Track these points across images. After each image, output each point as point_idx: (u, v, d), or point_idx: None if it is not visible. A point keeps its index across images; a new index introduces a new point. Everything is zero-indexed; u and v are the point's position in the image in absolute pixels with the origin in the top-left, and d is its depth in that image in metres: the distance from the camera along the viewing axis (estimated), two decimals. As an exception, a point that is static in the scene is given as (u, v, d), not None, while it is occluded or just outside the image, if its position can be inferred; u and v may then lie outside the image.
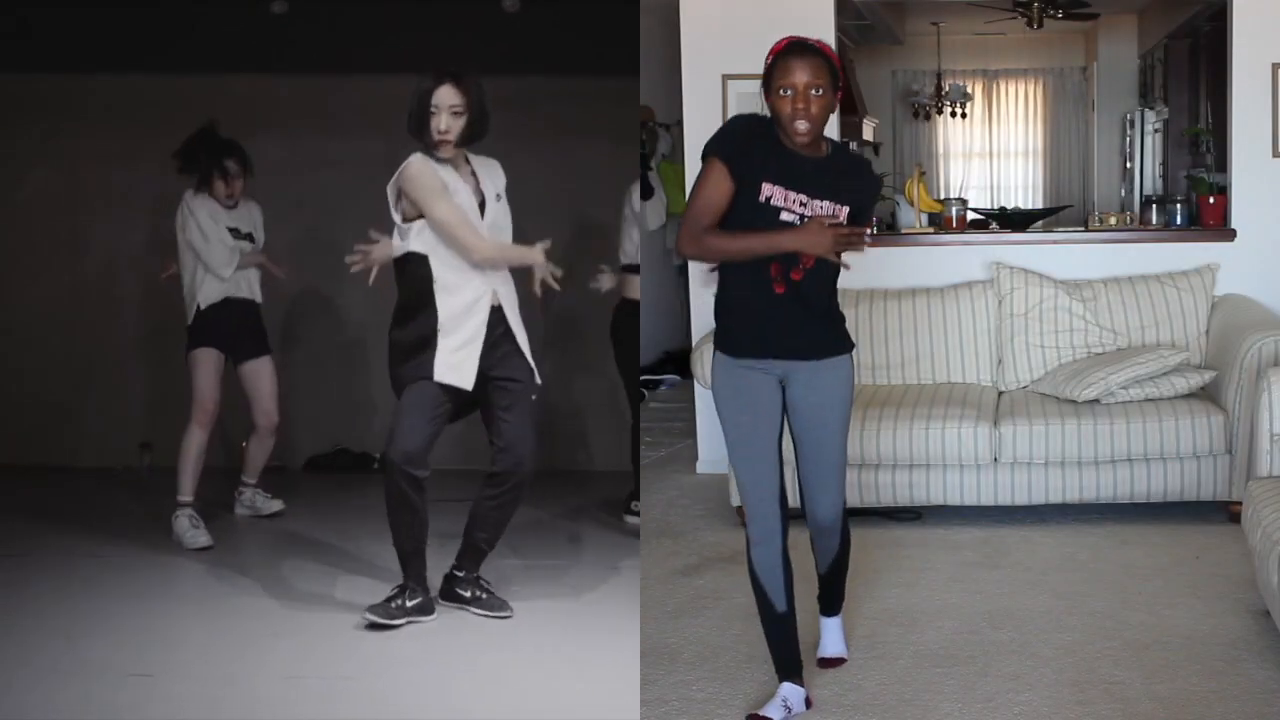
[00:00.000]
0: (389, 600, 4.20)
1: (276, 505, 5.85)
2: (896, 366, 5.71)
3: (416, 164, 4.11)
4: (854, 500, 5.21)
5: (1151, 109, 9.93)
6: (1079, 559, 4.78)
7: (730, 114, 5.99)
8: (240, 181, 5.48)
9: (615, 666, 3.81)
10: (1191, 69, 9.29)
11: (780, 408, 3.49)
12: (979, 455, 5.13)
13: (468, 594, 4.33)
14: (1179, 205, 6.29)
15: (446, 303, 4.13)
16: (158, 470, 6.28)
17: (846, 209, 3.35)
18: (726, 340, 3.48)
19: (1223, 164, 6.16)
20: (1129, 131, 10.25)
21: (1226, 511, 5.09)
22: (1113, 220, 6.36)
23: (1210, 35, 8.02)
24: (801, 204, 3.30)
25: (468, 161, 4.25)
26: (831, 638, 3.87)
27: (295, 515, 5.84)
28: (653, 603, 4.42)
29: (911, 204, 6.53)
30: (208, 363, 5.43)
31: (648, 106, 8.12)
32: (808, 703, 3.54)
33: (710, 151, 3.33)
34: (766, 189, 3.29)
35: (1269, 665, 3.73)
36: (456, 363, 4.14)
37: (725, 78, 5.95)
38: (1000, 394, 5.58)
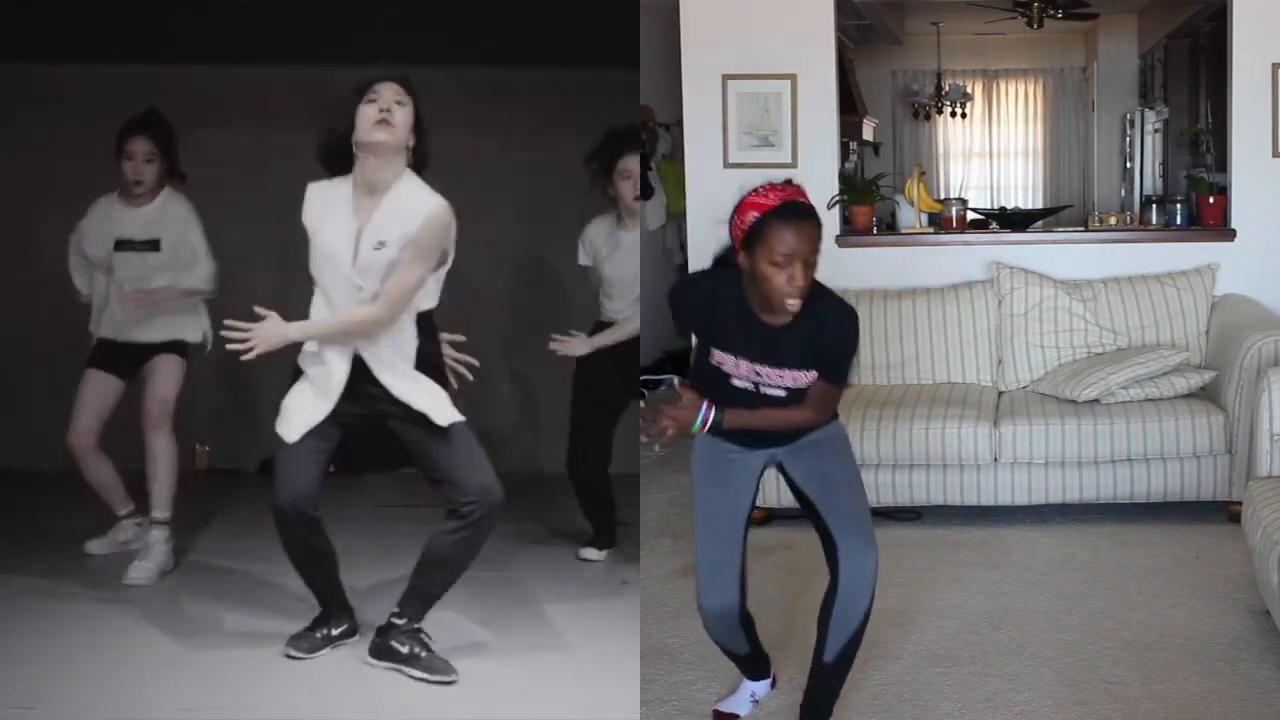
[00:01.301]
0: (311, 630, 3.88)
1: (144, 576, 4.65)
2: (896, 366, 5.71)
3: (309, 190, 3.74)
4: (854, 500, 5.21)
5: (1151, 109, 9.92)
6: (1079, 559, 4.78)
7: (730, 114, 6.03)
8: (152, 166, 4.78)
9: (615, 667, 3.81)
10: (1191, 69, 9.29)
11: (753, 492, 3.31)
12: (979, 455, 5.13)
13: (405, 649, 3.73)
14: (1179, 205, 6.29)
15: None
16: None
17: (814, 374, 3.11)
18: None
19: (1223, 164, 6.16)
20: (1129, 131, 10.24)
21: (1226, 511, 5.09)
22: (1113, 220, 6.37)
23: (1210, 35, 8.02)
24: (757, 374, 3.11)
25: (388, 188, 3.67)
26: None
27: (235, 525, 5.52)
28: (653, 603, 4.42)
29: (911, 204, 6.53)
30: (90, 386, 4.85)
31: (648, 106, 8.12)
32: (774, 683, 3.62)
33: (674, 314, 3.28)
34: (718, 356, 3.13)
35: (1269, 665, 3.73)
36: (289, 407, 3.74)
37: (725, 78, 5.95)
38: (1000, 394, 5.58)
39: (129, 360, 4.89)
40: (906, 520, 5.29)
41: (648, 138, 8.53)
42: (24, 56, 6.27)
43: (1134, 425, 5.07)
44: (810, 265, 2.97)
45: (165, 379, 4.88)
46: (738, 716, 3.52)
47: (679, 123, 6.89)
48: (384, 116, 3.56)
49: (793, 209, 2.97)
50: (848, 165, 9.30)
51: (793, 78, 5.95)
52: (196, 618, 4.28)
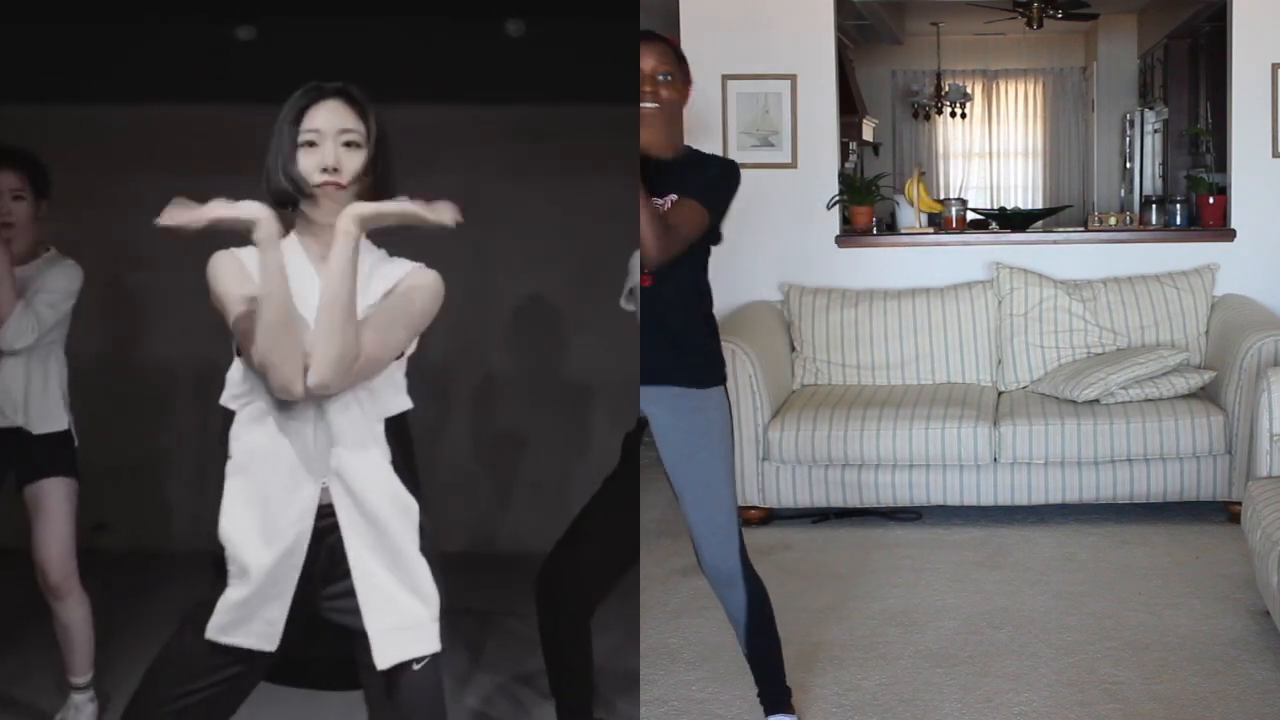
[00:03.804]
0: None
1: None
2: (896, 366, 5.71)
3: (216, 258, 2.31)
4: (854, 500, 5.22)
5: (1151, 109, 9.93)
6: (1079, 559, 4.78)
7: (730, 114, 6.04)
8: (22, 204, 3.43)
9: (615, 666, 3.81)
10: (1191, 69, 9.29)
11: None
12: (979, 455, 5.13)
13: None
14: (1179, 205, 6.30)
15: (247, 495, 2.30)
16: (114, 555, 5.06)
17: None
18: None
19: (1223, 164, 6.16)
20: (1129, 131, 10.25)
21: (1226, 511, 5.09)
22: (1113, 220, 6.38)
23: (1210, 35, 8.02)
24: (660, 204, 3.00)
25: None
26: None
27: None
28: (653, 603, 4.41)
29: (911, 204, 6.54)
30: None
31: (648, 106, 8.11)
32: None
33: None
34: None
35: (1269, 665, 3.73)
36: (250, 611, 2.29)
37: (725, 78, 5.96)
38: (1000, 394, 5.59)
39: None
40: (906, 520, 5.29)
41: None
42: (14, 97, 5.24)
43: (1134, 425, 5.07)
44: (666, 83, 2.98)
45: (54, 520, 3.45)
46: None
47: (679, 123, 6.88)
48: (328, 180, 2.30)
49: (640, 34, 3.04)
50: (848, 165, 9.31)
51: (793, 78, 5.95)
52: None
